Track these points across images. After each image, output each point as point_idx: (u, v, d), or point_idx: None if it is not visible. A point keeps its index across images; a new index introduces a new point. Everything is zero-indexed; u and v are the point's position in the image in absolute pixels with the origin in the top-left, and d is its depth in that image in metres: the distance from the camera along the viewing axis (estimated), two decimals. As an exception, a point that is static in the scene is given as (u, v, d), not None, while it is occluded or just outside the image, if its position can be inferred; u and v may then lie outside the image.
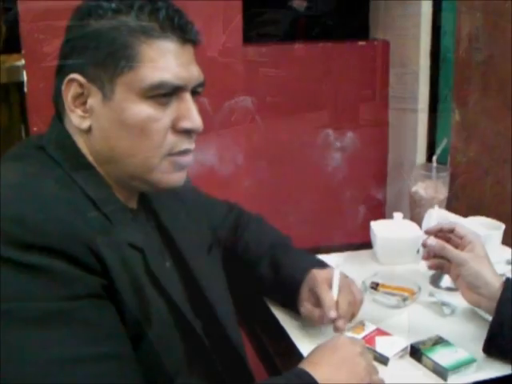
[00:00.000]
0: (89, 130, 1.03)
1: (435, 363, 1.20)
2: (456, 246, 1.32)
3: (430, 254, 1.36)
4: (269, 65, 2.56)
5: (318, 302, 1.31)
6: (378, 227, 1.72)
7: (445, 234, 1.35)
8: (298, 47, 2.62)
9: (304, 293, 1.34)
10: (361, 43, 2.70)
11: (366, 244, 1.76)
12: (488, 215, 1.77)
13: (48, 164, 1.02)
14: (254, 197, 2.15)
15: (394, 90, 2.75)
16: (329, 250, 1.67)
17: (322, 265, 1.40)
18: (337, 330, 1.25)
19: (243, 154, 2.11)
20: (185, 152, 1.06)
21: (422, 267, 1.46)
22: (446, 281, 1.51)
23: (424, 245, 1.35)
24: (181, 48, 1.03)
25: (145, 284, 1.01)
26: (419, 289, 1.48)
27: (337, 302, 1.27)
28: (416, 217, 1.80)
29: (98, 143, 1.04)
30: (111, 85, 1.00)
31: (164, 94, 1.01)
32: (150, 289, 1.02)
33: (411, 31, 2.53)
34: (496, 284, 1.25)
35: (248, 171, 2.22)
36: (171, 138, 1.04)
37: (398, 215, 1.75)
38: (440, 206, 1.79)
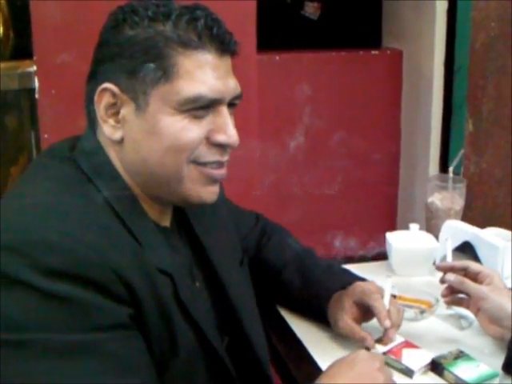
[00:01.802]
0: (121, 141, 1.00)
1: (458, 378, 1.18)
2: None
3: (449, 291, 1.34)
4: (282, 73, 2.55)
5: (361, 315, 1.30)
6: (393, 238, 1.70)
7: (457, 272, 1.33)
8: (311, 56, 2.61)
9: (346, 305, 1.30)
10: (373, 52, 2.69)
11: (382, 255, 1.74)
12: (501, 226, 1.75)
13: (78, 179, 0.98)
14: (268, 206, 2.13)
15: (406, 100, 2.74)
16: (344, 261, 1.66)
17: (357, 277, 1.40)
18: (388, 340, 1.25)
19: (255, 163, 2.10)
20: (217, 164, 1.03)
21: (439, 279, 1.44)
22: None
23: (442, 281, 1.33)
24: (219, 59, 0.99)
25: (173, 311, 0.97)
26: (437, 301, 1.45)
27: (388, 312, 1.26)
28: (432, 228, 1.79)
29: (129, 154, 1.00)
30: (145, 96, 0.97)
31: (200, 107, 0.98)
32: (177, 316, 0.98)
33: (425, 40, 2.52)
34: None
35: (260, 181, 2.21)
36: (202, 149, 1.00)
37: (414, 226, 1.73)
38: (456, 217, 1.78)
